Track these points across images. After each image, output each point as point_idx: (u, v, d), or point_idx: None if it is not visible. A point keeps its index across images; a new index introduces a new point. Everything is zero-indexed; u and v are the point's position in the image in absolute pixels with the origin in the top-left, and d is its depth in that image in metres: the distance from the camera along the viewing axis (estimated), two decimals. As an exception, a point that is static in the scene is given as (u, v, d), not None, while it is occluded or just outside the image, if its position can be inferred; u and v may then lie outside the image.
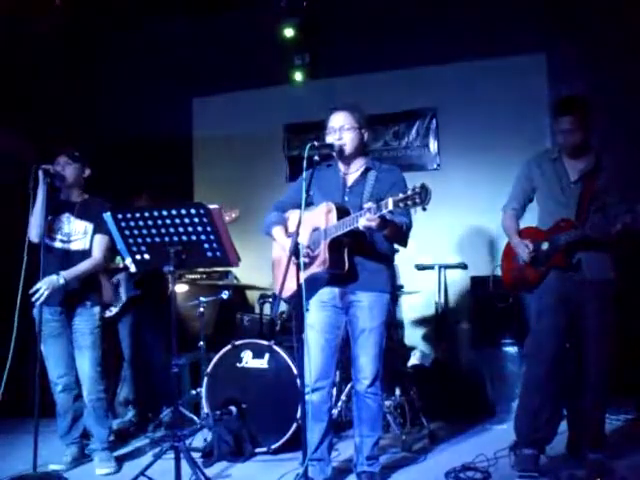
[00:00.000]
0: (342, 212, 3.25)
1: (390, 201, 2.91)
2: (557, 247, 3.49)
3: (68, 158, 3.95)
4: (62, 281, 3.78)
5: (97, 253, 3.95)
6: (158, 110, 6.02)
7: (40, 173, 3.75)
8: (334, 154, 3.37)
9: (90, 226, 3.95)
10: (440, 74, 5.63)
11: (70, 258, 3.92)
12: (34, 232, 3.81)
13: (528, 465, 3.50)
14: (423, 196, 2.83)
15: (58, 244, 3.94)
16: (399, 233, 3.27)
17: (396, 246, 3.52)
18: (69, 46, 5.70)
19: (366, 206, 3.04)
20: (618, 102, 4.92)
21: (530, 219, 3.73)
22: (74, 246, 3.95)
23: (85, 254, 3.94)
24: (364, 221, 3.01)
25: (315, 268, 3.30)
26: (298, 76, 5.90)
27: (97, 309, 4.00)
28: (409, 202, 2.86)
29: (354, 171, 3.45)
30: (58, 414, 3.99)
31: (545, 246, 3.54)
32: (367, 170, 3.42)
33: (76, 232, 3.96)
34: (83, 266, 3.89)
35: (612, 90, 4.93)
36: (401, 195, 2.88)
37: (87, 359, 3.90)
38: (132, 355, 4.88)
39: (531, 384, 3.60)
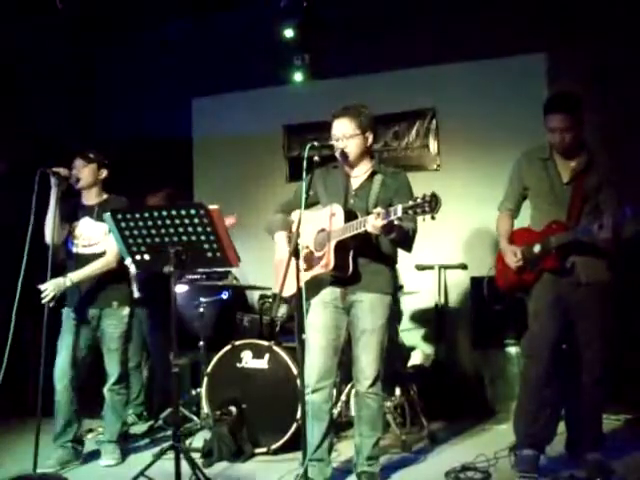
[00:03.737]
0: (349, 215, 3.25)
1: (399, 208, 2.92)
2: (549, 250, 3.45)
3: (83, 160, 3.94)
4: (68, 283, 3.79)
5: (109, 252, 3.92)
6: (158, 110, 6.02)
7: (52, 176, 3.75)
8: (339, 157, 3.37)
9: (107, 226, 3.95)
10: (440, 74, 5.62)
11: (92, 262, 3.91)
12: (48, 236, 3.78)
13: (528, 465, 3.50)
14: (433, 205, 2.84)
15: (81, 249, 3.95)
16: (405, 238, 3.27)
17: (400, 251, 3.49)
18: (69, 47, 5.70)
19: (375, 211, 3.04)
20: (617, 102, 4.92)
21: (526, 218, 3.72)
22: (97, 249, 3.94)
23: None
24: (372, 225, 3.01)
25: (318, 270, 3.31)
26: (298, 76, 5.89)
27: (126, 310, 3.98)
28: (418, 210, 2.87)
29: (360, 174, 3.44)
30: (55, 413, 3.97)
31: (537, 249, 3.48)
32: (373, 174, 3.41)
33: (97, 235, 3.95)
34: (92, 266, 3.88)
35: (611, 90, 4.93)
36: (411, 203, 2.89)
37: (114, 361, 3.97)
38: (133, 355, 4.86)
39: (529, 385, 3.59)
